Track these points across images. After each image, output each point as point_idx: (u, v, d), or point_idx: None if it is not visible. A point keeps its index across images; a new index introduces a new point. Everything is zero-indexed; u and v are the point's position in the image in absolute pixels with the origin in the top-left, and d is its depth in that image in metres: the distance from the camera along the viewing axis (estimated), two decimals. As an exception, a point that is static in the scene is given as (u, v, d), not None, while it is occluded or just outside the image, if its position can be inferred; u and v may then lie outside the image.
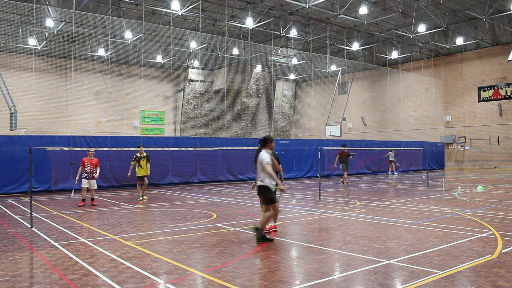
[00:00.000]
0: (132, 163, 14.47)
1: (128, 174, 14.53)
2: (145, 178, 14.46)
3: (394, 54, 36.11)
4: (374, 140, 33.59)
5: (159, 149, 17.89)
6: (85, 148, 14.57)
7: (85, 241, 7.82)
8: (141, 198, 14.39)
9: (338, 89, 39.04)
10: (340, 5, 25.94)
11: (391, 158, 27.91)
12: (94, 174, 12.99)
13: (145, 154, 14.41)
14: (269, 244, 7.46)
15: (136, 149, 14.74)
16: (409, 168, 31.42)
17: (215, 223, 9.72)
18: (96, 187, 13.16)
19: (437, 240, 7.54)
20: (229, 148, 20.67)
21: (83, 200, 13.04)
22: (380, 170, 29.68)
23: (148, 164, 14.41)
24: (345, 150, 20.14)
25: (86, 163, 12.93)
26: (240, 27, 30.64)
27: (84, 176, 12.96)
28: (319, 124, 41.93)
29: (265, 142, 7.82)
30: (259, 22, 28.70)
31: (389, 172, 28.27)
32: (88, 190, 13.09)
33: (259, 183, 7.67)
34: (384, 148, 28.52)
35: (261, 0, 26.37)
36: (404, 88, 37.90)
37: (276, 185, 7.57)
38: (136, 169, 14.34)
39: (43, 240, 7.92)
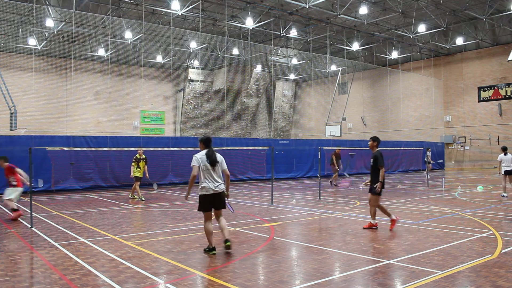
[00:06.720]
0: (133, 164, 14.84)
1: (131, 175, 14.93)
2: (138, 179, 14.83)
3: (394, 54, 36.09)
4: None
5: (159, 149, 17.92)
6: (85, 148, 14.72)
7: (85, 241, 7.81)
8: (133, 197, 14.89)
9: (338, 89, 39.01)
10: (340, 5, 25.93)
11: (427, 159, 27.50)
12: None
13: (144, 156, 14.81)
14: (269, 244, 7.46)
15: (136, 149, 14.99)
16: (409, 168, 31.40)
17: (215, 223, 9.70)
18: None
19: (437, 240, 7.53)
20: (229, 148, 20.65)
21: None
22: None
23: (146, 167, 14.84)
24: (338, 151, 20.29)
25: None
26: (240, 27, 30.62)
27: None
28: (319, 124, 41.90)
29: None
30: (259, 22, 28.68)
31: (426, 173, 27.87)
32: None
33: (222, 187, 7.15)
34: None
35: (261, 0, 26.36)
36: (404, 88, 37.88)
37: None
38: (135, 170, 14.76)
39: (43, 240, 7.92)
